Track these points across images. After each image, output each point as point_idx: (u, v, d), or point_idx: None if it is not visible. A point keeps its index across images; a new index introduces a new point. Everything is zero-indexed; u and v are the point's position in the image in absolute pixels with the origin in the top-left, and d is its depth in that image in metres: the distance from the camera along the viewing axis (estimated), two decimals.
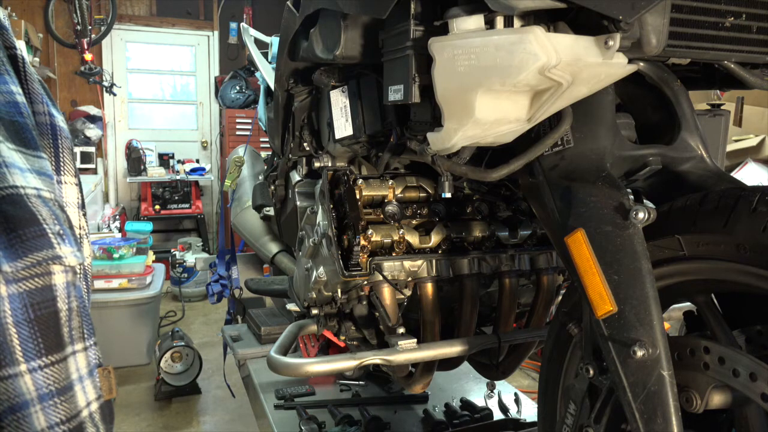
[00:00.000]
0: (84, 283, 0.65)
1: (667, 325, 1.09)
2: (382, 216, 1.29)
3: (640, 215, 0.81)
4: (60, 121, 0.68)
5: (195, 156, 6.21)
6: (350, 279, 1.22)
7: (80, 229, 0.68)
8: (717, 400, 0.82)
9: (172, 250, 5.01)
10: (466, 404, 1.88)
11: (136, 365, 3.44)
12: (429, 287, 1.28)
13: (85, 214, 0.70)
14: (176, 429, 2.82)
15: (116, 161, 5.93)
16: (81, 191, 0.70)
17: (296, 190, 1.57)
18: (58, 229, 0.59)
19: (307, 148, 1.52)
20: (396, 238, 1.25)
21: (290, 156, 1.62)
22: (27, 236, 0.56)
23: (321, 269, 1.34)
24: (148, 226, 3.90)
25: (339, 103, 1.29)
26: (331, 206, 1.27)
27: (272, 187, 1.85)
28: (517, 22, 0.80)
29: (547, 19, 0.81)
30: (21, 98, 0.63)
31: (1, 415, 0.54)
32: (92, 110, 5.67)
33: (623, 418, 0.83)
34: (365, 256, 1.22)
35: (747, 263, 0.78)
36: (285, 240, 2.02)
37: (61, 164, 0.67)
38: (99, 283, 3.36)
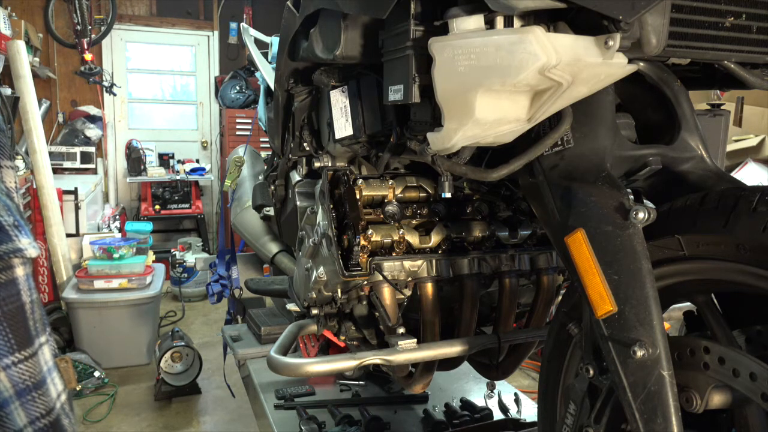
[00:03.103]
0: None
1: (667, 325, 1.09)
2: (382, 216, 1.29)
3: (640, 215, 0.81)
4: None
5: (195, 156, 6.20)
6: (350, 279, 1.22)
7: None
8: (717, 400, 0.82)
9: (172, 250, 5.01)
10: (466, 404, 1.88)
11: (136, 365, 3.45)
12: (429, 287, 1.28)
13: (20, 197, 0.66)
14: (176, 429, 2.82)
15: (116, 161, 5.93)
16: (16, 174, 0.66)
17: (296, 190, 1.57)
18: (12, 220, 0.56)
19: (307, 148, 1.52)
20: (396, 238, 1.25)
21: (290, 156, 1.61)
22: None
23: (321, 269, 1.34)
24: (148, 226, 3.90)
25: (339, 103, 1.29)
26: (331, 206, 1.26)
27: (272, 187, 1.84)
28: (517, 22, 0.80)
29: (547, 19, 0.81)
30: None
31: None
32: (92, 110, 5.67)
33: (623, 418, 0.83)
34: (365, 256, 1.22)
35: (747, 263, 0.78)
36: (285, 240, 2.01)
37: None
38: (99, 283, 3.36)
